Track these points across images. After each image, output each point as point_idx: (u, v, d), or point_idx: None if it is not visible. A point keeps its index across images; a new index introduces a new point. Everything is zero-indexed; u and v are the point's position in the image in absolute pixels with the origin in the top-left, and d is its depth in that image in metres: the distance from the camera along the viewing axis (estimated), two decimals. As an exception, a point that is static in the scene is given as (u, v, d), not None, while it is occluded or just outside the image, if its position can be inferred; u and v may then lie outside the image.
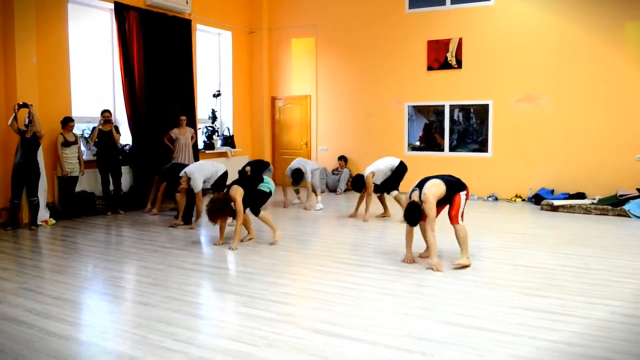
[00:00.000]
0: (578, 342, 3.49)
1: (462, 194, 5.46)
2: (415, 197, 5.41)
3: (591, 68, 9.19)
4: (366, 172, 7.97)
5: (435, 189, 5.35)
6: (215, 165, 7.85)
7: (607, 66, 9.07)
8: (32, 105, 7.19)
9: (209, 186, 7.81)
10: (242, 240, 6.52)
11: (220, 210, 6.02)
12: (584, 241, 6.54)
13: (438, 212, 5.46)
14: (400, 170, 7.99)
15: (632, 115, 8.92)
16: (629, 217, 8.02)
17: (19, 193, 7.27)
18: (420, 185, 5.48)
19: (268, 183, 6.58)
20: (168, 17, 9.87)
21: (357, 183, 7.95)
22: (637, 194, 8.45)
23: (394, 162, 8.04)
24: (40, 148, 7.44)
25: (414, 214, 5.28)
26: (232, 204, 6.17)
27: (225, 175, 7.85)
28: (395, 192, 7.96)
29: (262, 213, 6.44)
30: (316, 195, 9.23)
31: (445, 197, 5.43)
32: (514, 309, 4.13)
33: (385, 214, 8.26)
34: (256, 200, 6.44)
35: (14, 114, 7.07)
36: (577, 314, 3.98)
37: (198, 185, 7.44)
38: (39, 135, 7.27)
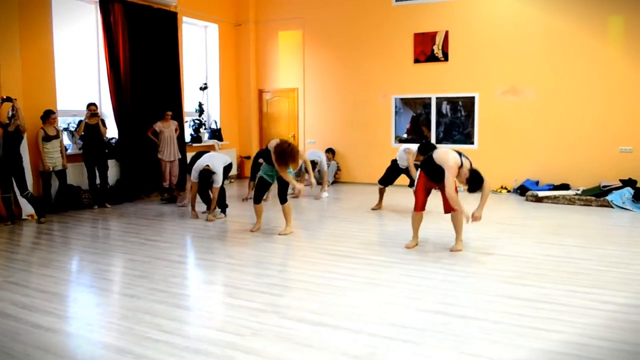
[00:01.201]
0: (558, 328, 3.56)
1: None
2: (468, 164, 5.50)
3: (575, 61, 9.28)
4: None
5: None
6: (224, 156, 7.79)
7: (591, 59, 9.16)
8: (16, 99, 7.13)
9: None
10: (252, 230, 6.64)
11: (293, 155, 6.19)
12: (567, 231, 6.63)
13: (428, 193, 5.84)
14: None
15: (615, 108, 9.03)
16: (611, 207, 8.14)
17: (8, 186, 7.22)
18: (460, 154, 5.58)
19: (292, 173, 6.55)
20: (153, 10, 9.82)
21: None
22: (619, 185, 8.57)
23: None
24: (24, 142, 7.39)
25: (479, 180, 5.46)
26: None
27: (230, 166, 7.77)
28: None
29: (287, 203, 6.49)
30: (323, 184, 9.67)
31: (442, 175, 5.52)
32: (497, 297, 4.20)
33: (378, 206, 8.27)
34: (283, 188, 6.48)
35: None
36: (559, 302, 4.05)
37: (220, 180, 7.40)
38: (22, 129, 7.21)
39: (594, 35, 9.12)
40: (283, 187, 6.46)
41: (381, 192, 8.24)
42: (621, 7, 8.89)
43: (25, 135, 7.35)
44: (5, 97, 7.09)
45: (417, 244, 5.82)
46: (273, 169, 6.46)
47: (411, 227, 5.90)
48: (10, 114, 7.09)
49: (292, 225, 6.60)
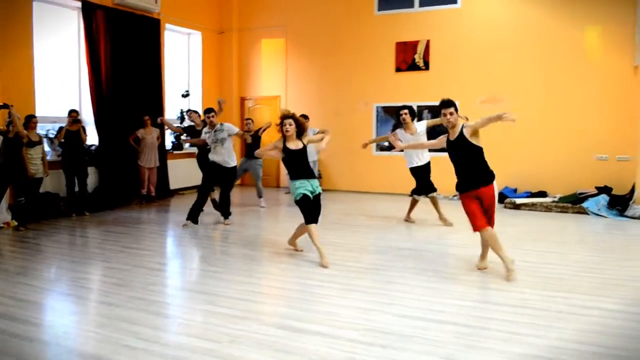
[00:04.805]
0: (535, 333, 3.60)
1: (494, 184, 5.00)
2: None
3: (553, 70, 9.44)
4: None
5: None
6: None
7: (567, 69, 9.33)
8: (12, 105, 7.10)
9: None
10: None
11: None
12: (544, 237, 6.73)
13: (476, 210, 4.94)
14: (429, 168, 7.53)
15: (591, 117, 9.20)
16: (587, 214, 8.27)
17: (2, 194, 7.23)
18: None
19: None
20: (136, 16, 9.80)
21: None
22: (595, 192, 8.72)
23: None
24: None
25: None
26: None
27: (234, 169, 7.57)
28: (434, 193, 7.48)
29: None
30: None
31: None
32: (474, 302, 4.25)
33: (443, 220, 7.58)
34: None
35: None
36: (535, 307, 4.11)
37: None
38: (21, 135, 7.19)
39: (571, 45, 9.29)
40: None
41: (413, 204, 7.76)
42: (598, 18, 9.08)
43: (24, 142, 7.31)
44: (2, 103, 7.06)
45: (512, 269, 4.86)
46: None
47: (494, 251, 4.91)
48: (7, 120, 7.09)
49: (271, 231, 6.61)
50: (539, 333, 3.60)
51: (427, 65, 10.44)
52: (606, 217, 8.09)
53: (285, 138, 5.54)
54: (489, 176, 4.99)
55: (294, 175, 5.52)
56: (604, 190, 8.70)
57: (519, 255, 5.73)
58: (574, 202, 8.60)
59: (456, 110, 5.05)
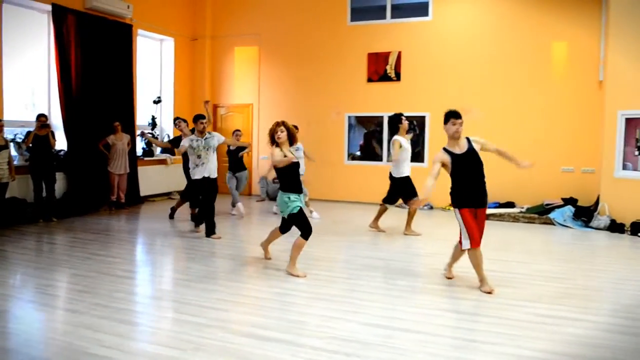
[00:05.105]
0: (494, 340, 3.68)
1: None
2: None
3: (520, 83, 9.67)
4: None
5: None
6: None
7: (535, 82, 9.57)
8: None
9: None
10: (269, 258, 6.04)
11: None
12: (510, 247, 6.86)
13: (476, 227, 5.04)
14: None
15: (557, 129, 9.43)
16: (553, 225, 8.46)
17: None
18: None
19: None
20: (108, 21, 9.72)
21: None
22: (561, 203, 8.93)
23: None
24: None
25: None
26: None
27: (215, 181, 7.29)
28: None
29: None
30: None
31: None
32: (438, 310, 4.32)
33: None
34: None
35: None
36: (503, 316, 4.19)
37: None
38: None
39: (538, 59, 9.54)
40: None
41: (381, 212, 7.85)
42: (566, 34, 9.34)
43: None
44: None
45: (492, 290, 4.85)
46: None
47: (476, 271, 4.94)
48: None
49: (240, 239, 6.60)
50: (506, 342, 3.67)
51: (398, 76, 10.58)
52: (572, 227, 8.29)
53: (278, 147, 5.51)
54: (486, 196, 5.23)
55: (287, 188, 5.40)
56: (569, 201, 8.92)
57: (486, 264, 5.84)
58: (540, 213, 8.79)
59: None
